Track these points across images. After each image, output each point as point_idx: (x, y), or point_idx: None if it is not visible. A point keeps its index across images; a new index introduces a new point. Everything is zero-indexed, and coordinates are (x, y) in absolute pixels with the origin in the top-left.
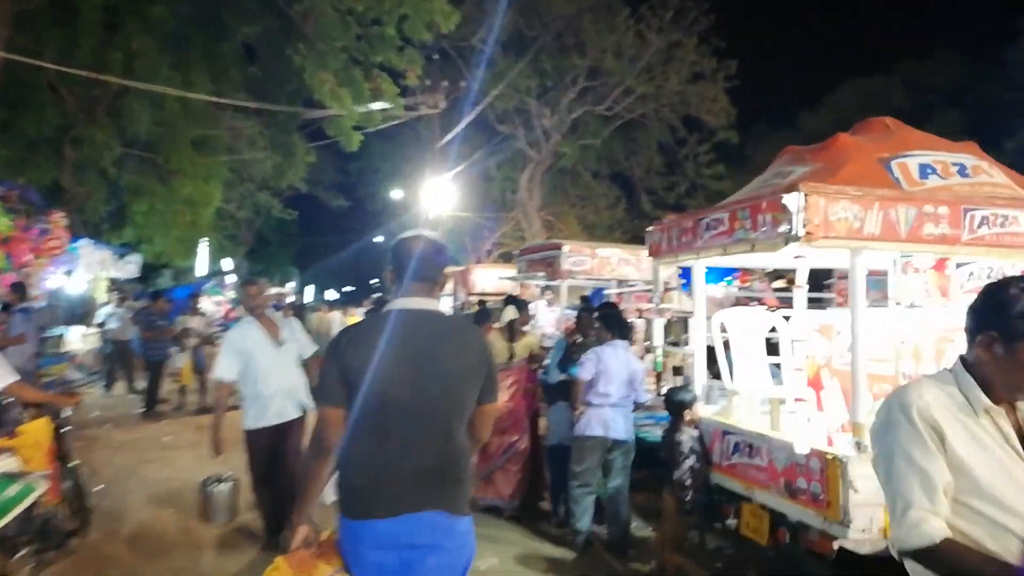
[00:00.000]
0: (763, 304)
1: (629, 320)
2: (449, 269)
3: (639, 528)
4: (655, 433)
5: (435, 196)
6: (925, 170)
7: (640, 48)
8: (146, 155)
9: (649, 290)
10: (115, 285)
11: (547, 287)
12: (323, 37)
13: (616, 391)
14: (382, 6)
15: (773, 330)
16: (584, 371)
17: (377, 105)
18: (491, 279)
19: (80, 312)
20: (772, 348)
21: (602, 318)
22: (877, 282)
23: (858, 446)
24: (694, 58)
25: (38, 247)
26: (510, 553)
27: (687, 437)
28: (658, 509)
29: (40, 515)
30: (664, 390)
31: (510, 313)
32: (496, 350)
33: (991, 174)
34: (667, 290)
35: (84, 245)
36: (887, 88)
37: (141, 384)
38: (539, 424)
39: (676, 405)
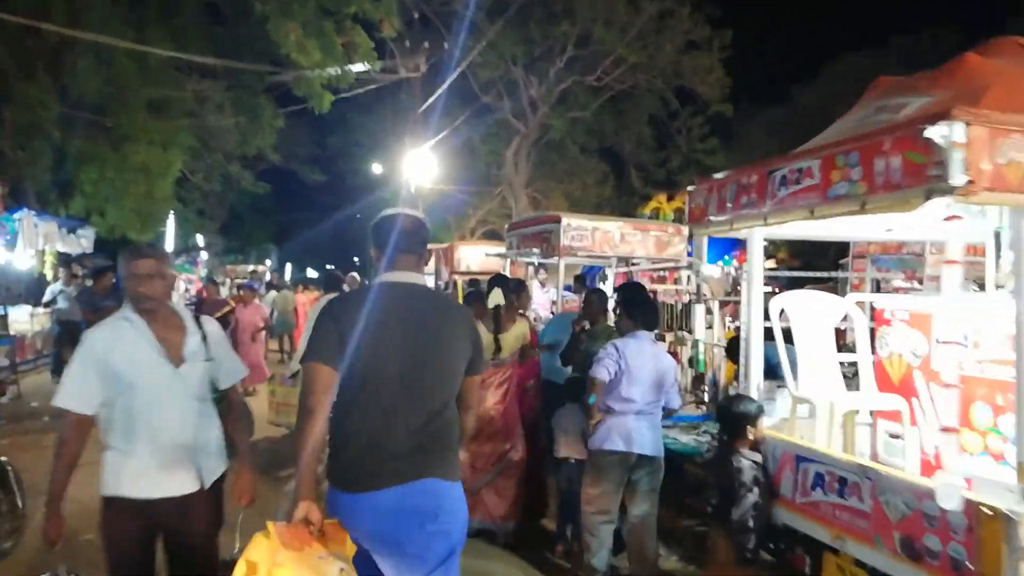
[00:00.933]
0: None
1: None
2: (431, 245)
3: (663, 558)
4: (676, 439)
5: (416, 167)
6: None
7: (632, 15)
8: (95, 118)
9: (656, 269)
10: (62, 261)
11: (541, 265)
12: None
13: (642, 396)
14: None
15: (844, 318)
16: (602, 370)
17: (355, 67)
18: (477, 256)
19: (27, 291)
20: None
21: (623, 302)
22: (900, 261)
23: None
24: (688, 26)
25: None
26: None
27: (748, 463)
28: (695, 544)
29: None
30: (706, 394)
31: (496, 297)
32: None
33: None
34: (673, 269)
35: (24, 216)
36: (881, 63)
37: None
38: (539, 426)
39: (737, 419)
